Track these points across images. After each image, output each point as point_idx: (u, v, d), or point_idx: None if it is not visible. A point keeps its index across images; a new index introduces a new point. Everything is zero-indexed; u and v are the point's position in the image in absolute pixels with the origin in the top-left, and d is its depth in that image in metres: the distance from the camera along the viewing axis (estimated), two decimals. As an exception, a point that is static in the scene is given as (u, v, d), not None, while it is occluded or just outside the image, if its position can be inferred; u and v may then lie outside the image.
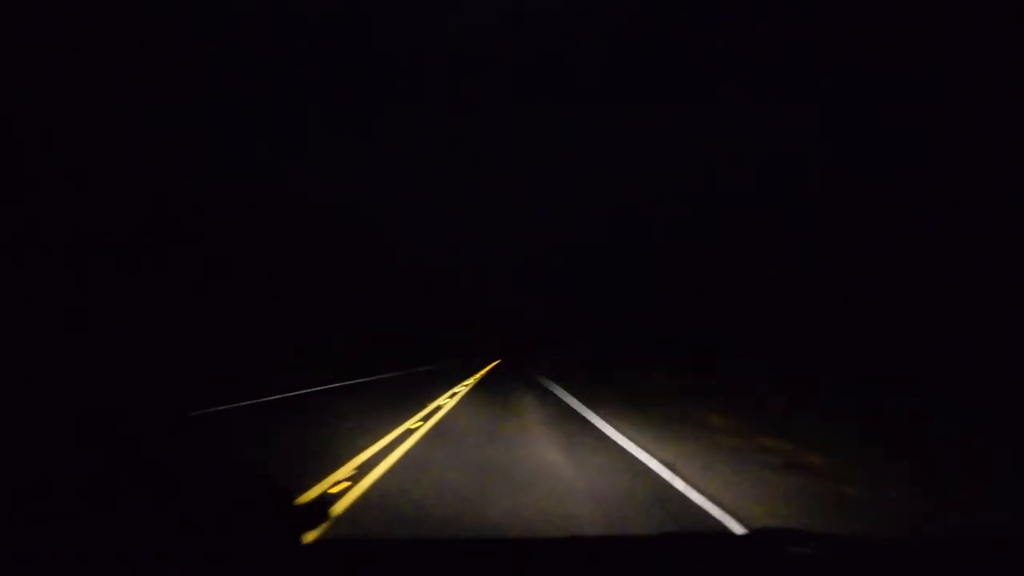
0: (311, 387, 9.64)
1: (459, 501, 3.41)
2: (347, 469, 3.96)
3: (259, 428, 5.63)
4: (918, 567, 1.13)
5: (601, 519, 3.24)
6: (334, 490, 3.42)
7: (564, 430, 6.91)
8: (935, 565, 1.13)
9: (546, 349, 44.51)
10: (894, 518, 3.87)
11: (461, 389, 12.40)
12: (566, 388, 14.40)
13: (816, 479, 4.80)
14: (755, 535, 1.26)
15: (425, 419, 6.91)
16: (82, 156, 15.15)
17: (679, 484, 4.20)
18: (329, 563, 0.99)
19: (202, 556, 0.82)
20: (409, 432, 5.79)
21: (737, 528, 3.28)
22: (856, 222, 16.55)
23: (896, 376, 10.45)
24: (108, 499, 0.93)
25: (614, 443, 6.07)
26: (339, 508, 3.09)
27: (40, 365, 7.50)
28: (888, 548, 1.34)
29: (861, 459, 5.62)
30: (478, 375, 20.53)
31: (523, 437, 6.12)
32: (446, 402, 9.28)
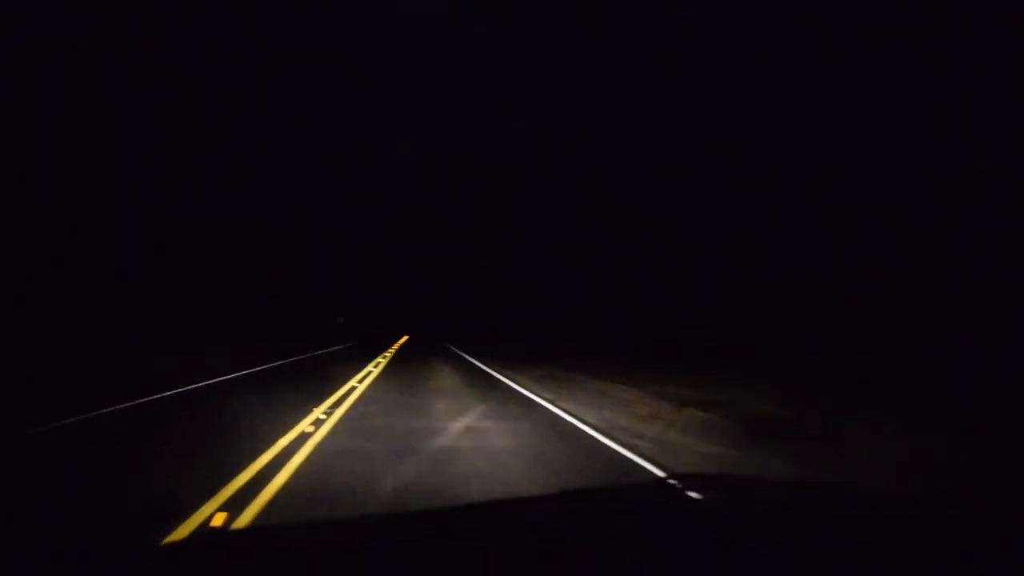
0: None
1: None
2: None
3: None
4: (804, 505, 1.16)
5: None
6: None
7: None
8: (819, 504, 1.16)
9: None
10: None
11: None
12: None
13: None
14: (658, 483, 1.29)
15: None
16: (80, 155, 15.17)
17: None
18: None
19: None
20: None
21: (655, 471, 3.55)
22: (856, 222, 16.55)
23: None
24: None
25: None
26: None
27: None
28: (780, 489, 1.36)
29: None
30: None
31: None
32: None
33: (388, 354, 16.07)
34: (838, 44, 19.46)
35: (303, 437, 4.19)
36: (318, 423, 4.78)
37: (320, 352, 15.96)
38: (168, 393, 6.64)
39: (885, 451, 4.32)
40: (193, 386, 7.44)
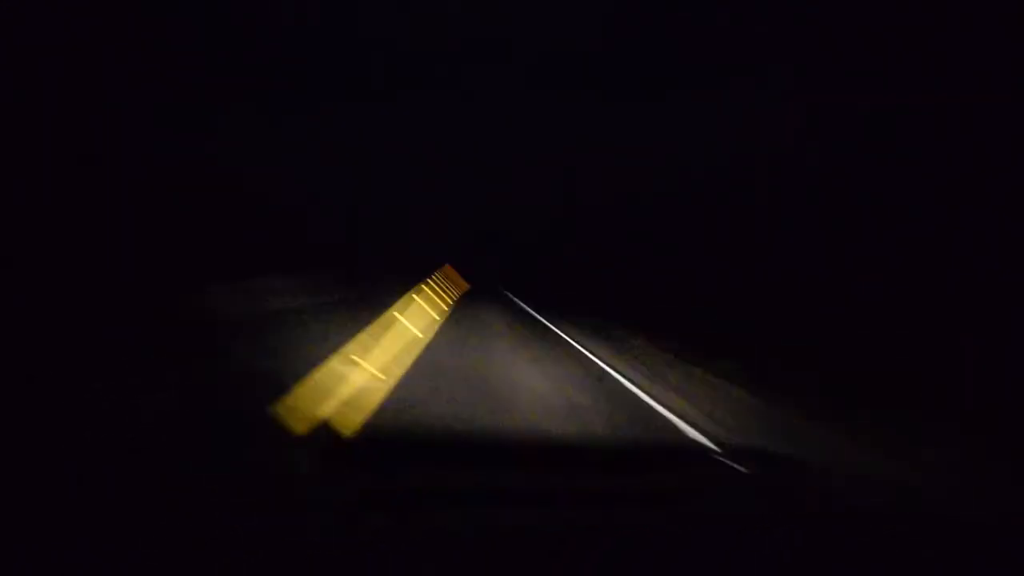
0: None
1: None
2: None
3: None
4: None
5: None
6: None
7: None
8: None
9: None
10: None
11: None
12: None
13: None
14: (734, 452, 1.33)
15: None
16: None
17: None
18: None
19: None
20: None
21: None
22: (856, 222, 16.55)
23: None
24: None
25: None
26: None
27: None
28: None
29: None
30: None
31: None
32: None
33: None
34: (838, 44, 19.45)
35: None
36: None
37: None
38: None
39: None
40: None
